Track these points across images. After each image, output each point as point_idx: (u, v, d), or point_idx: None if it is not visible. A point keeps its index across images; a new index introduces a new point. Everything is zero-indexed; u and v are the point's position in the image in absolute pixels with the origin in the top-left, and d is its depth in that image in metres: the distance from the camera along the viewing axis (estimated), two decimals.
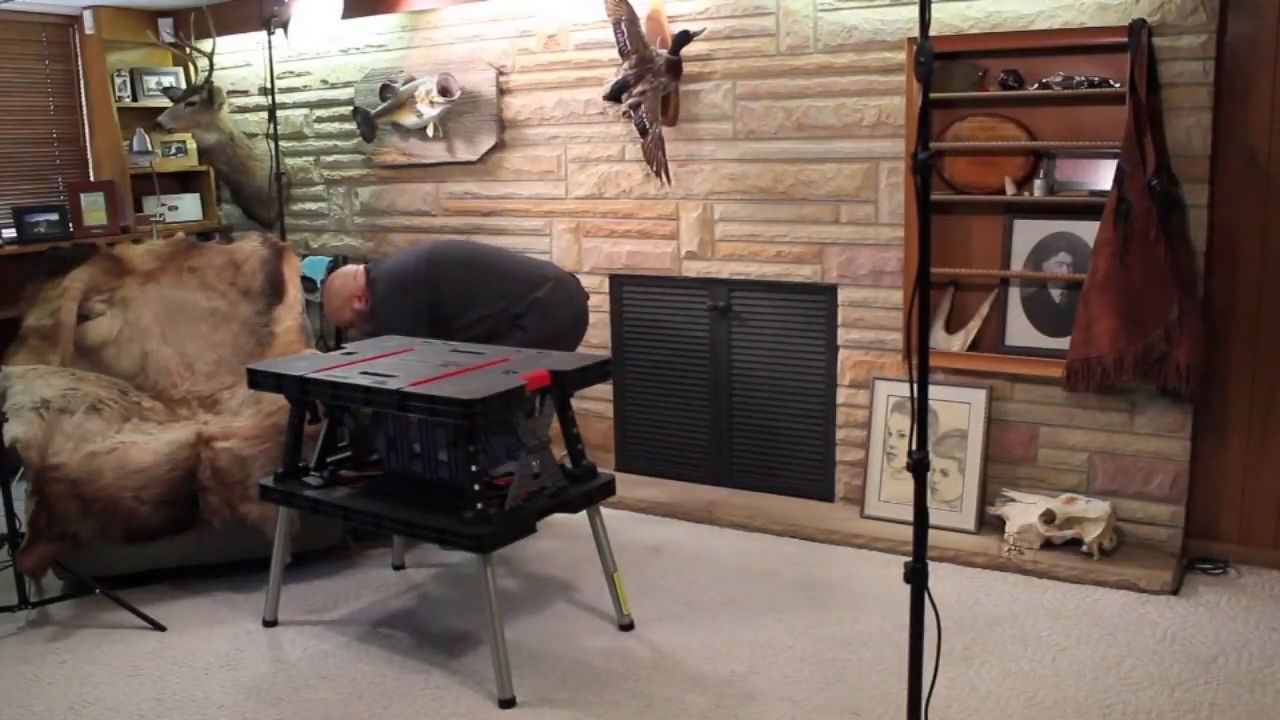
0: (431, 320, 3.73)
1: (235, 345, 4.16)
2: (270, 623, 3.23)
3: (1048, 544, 3.46)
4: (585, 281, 4.16)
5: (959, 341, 3.72)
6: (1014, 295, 3.67)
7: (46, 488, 3.24)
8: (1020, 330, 3.66)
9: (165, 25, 5.34)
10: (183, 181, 5.57)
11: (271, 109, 4.90)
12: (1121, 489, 3.52)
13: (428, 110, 4.62)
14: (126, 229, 5.22)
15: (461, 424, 2.66)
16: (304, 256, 5.04)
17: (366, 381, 2.85)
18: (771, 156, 3.96)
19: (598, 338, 4.40)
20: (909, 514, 2.18)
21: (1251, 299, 3.37)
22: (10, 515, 3.30)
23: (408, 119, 4.72)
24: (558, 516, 3.00)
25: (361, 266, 3.89)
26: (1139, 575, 3.29)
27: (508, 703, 2.72)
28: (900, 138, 3.70)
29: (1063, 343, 3.49)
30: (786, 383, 4.09)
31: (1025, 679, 2.78)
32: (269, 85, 4.90)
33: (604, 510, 3.16)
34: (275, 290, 4.27)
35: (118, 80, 5.29)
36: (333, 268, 5.15)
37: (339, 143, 5.16)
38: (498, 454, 3.19)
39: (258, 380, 3.11)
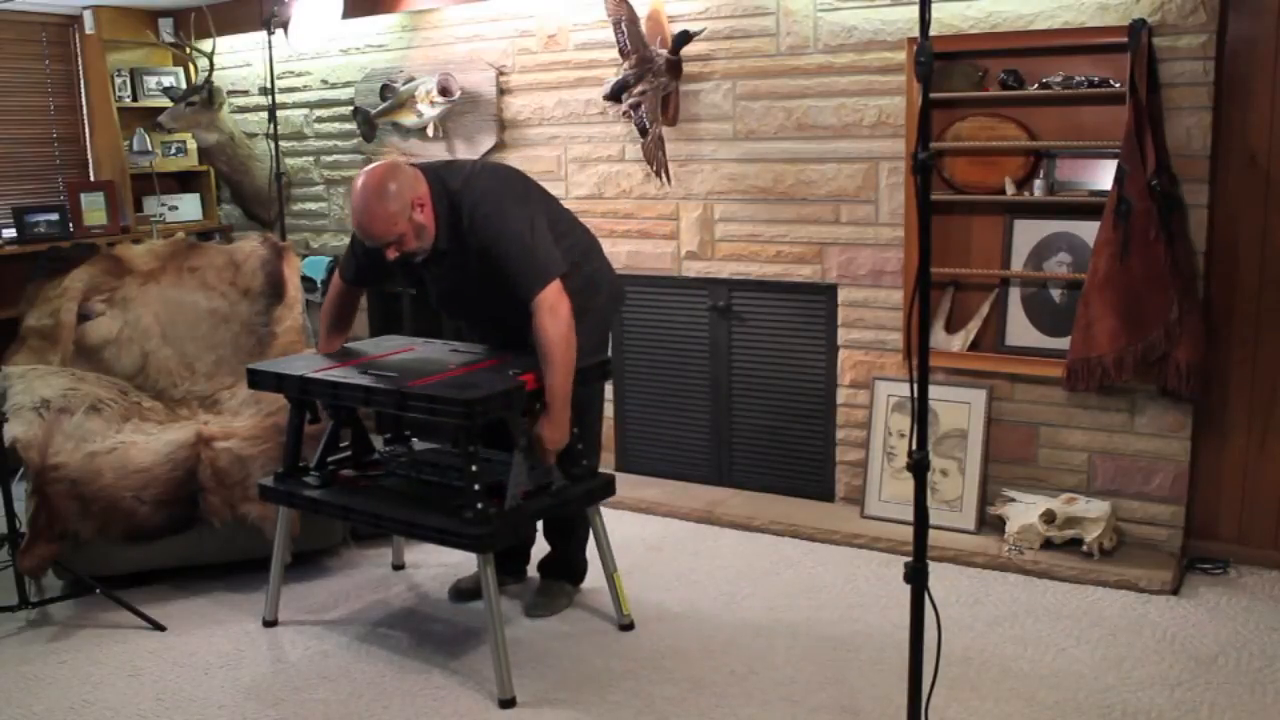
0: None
1: (235, 345, 4.16)
2: (270, 623, 3.22)
3: (1048, 544, 3.46)
4: None
5: (959, 341, 3.72)
6: (1014, 295, 3.67)
7: (46, 488, 3.24)
8: (1020, 330, 3.66)
9: (165, 25, 5.34)
10: (183, 181, 5.57)
11: (271, 109, 4.89)
12: (1121, 489, 3.52)
13: (428, 110, 4.62)
14: (126, 229, 5.22)
15: (462, 424, 2.66)
16: (304, 256, 5.04)
17: (366, 381, 2.85)
18: (771, 156, 3.96)
19: None
20: (909, 514, 2.18)
21: (1251, 299, 3.37)
22: (10, 515, 3.30)
23: (408, 119, 4.72)
24: None
25: (409, 164, 2.97)
26: (1139, 575, 3.29)
27: (508, 703, 2.72)
28: (900, 138, 3.70)
29: (1063, 343, 3.49)
30: (786, 383, 4.08)
31: (1025, 679, 2.78)
32: (269, 85, 4.90)
33: (604, 510, 3.16)
34: (275, 290, 4.26)
35: (118, 80, 5.30)
36: (333, 268, 5.16)
37: (339, 143, 5.16)
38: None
39: (258, 380, 3.10)
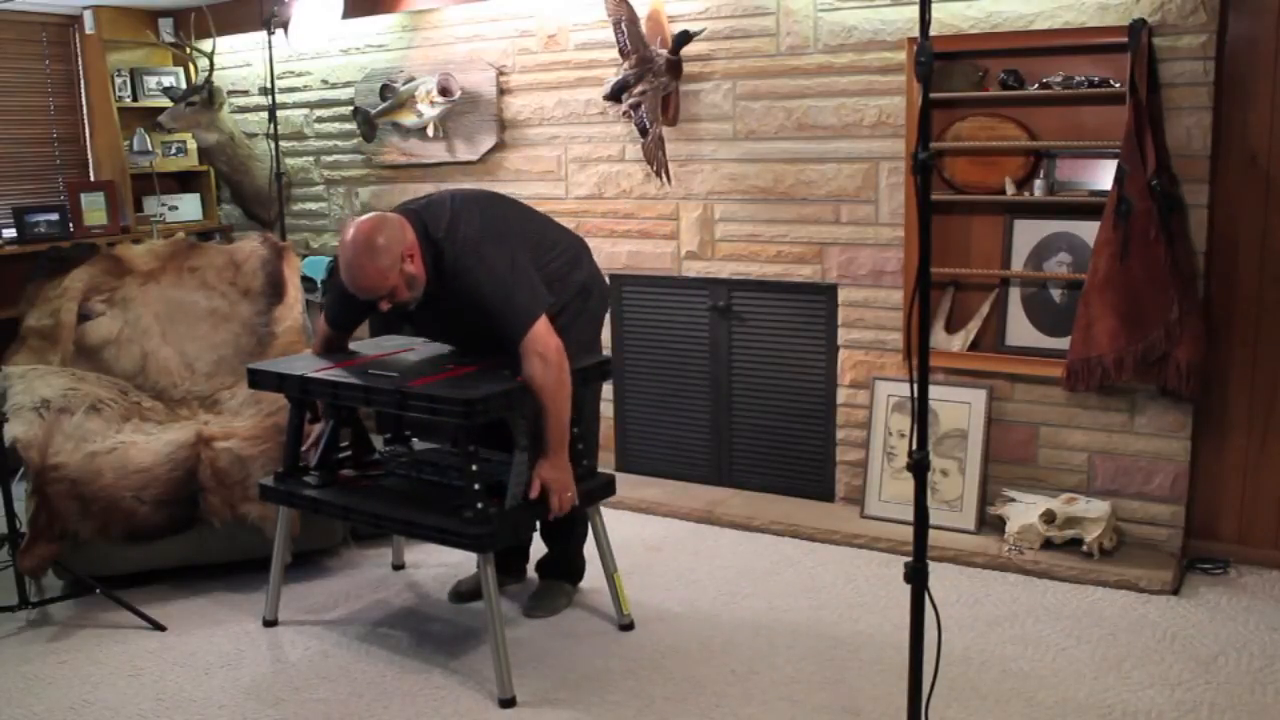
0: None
1: (235, 345, 4.16)
2: (270, 623, 3.23)
3: (1048, 544, 3.46)
4: None
5: (959, 341, 3.72)
6: (1014, 295, 3.67)
7: (46, 488, 3.24)
8: (1020, 330, 3.66)
9: (165, 25, 5.34)
10: (183, 181, 5.57)
11: (271, 109, 4.90)
12: (1121, 489, 3.52)
13: (428, 110, 4.62)
14: (126, 229, 5.22)
15: (462, 424, 2.66)
16: (304, 256, 5.04)
17: (366, 381, 2.85)
18: (771, 156, 3.96)
19: None
20: (909, 514, 2.18)
21: (1251, 299, 3.37)
22: (10, 515, 3.30)
23: (408, 119, 4.72)
24: None
25: (395, 215, 2.86)
26: (1139, 575, 3.29)
27: (508, 703, 2.72)
28: (900, 138, 3.70)
29: (1063, 343, 3.49)
30: (786, 383, 4.08)
31: (1025, 679, 2.78)
32: (269, 85, 4.90)
33: (604, 510, 3.16)
34: (275, 290, 4.26)
35: (118, 80, 5.30)
36: (333, 268, 5.16)
37: (339, 143, 5.16)
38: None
39: (258, 380, 3.10)
